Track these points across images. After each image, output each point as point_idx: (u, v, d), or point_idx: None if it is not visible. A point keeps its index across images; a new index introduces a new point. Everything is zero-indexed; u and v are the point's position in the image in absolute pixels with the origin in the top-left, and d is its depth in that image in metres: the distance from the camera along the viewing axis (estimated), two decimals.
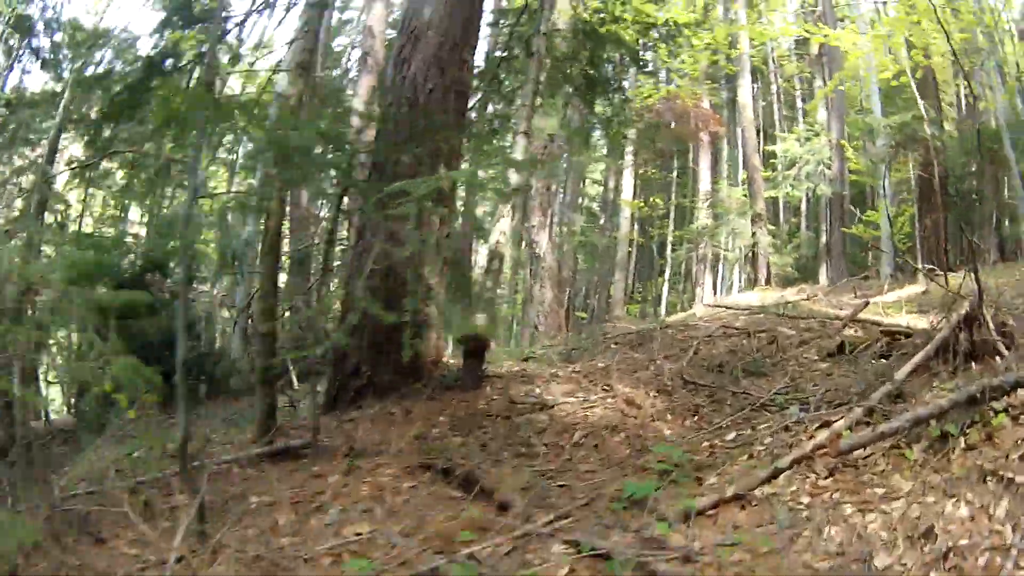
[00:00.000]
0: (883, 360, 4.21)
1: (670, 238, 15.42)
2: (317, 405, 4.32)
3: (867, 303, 6.23)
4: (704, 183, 17.49)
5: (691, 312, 14.18)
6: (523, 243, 13.09)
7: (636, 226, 17.61)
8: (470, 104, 6.57)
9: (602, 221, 21.27)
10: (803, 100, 19.42)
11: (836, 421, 3.22)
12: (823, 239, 16.01)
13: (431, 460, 3.65)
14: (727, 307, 6.52)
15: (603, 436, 3.96)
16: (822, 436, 3.11)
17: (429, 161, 4.64)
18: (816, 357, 4.59)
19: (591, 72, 6.96)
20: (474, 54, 6.12)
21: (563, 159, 15.80)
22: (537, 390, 4.74)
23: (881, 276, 13.39)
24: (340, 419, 4.52)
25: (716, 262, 17.27)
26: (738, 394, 4.33)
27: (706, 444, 3.71)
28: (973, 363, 3.34)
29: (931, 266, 8.89)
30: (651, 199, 17.61)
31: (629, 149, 17.76)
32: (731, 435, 3.76)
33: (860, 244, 16.25)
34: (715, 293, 16.65)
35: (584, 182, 22.26)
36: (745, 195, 16.60)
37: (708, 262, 17.05)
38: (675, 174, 16.45)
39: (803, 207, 19.13)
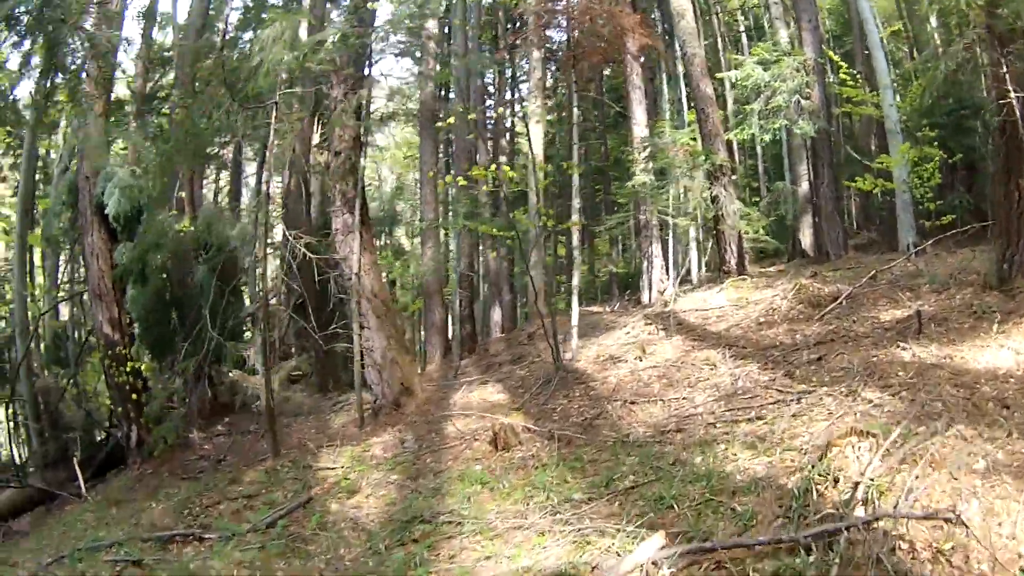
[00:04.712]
0: None
1: (574, 218, 10.71)
2: None
3: None
4: (639, 126, 13.07)
5: (637, 322, 9.84)
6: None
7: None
8: None
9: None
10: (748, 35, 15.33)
11: None
12: (800, 191, 12.20)
13: None
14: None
15: None
16: None
17: None
18: None
19: None
20: None
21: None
22: None
23: (900, 245, 9.80)
24: None
25: (665, 229, 13.13)
26: None
27: None
28: None
29: None
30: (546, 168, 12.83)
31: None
32: None
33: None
34: (668, 274, 12.66)
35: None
36: (693, 139, 12.47)
37: (654, 231, 12.90)
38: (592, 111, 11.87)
39: (758, 150, 15.27)
